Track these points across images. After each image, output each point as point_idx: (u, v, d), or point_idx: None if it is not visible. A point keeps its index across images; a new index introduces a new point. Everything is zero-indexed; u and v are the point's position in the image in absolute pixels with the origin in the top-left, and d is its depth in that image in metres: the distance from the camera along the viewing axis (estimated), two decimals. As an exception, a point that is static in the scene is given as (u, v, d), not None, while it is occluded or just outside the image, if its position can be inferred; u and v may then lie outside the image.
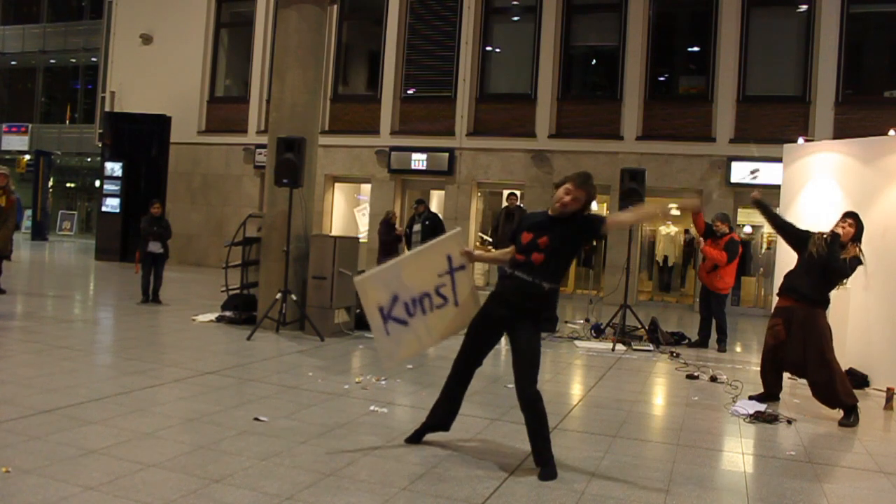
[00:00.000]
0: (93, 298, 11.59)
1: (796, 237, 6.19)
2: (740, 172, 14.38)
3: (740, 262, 15.08)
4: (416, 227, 12.92)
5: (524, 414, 4.08)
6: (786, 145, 8.81)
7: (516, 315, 4.10)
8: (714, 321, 9.26)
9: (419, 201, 13.44)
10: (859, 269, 6.01)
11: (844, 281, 6.23)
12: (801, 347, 5.83)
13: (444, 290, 4.51)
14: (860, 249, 5.93)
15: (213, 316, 9.09)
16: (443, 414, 4.45)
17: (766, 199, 6.52)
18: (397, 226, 13.20)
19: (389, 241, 12.96)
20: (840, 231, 5.93)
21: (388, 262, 4.71)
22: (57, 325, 8.15)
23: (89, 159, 28.58)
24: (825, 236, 5.96)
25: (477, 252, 4.77)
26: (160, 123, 18.21)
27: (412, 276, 4.49)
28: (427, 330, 4.54)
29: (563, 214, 4.07)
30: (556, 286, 4.13)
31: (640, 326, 9.59)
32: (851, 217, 6.01)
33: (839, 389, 5.66)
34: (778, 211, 8.51)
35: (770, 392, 6.23)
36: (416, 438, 4.44)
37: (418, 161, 16.46)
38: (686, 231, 15.64)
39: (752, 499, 3.90)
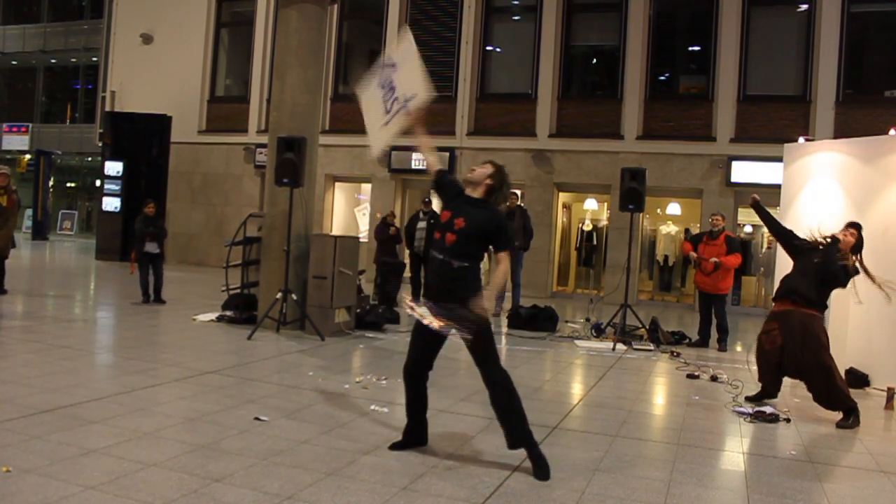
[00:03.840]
0: (93, 298, 11.59)
1: (793, 243, 6.18)
2: (741, 172, 14.38)
3: (741, 261, 15.16)
4: (421, 225, 12.94)
5: (493, 399, 4.05)
6: (786, 145, 8.81)
7: (456, 305, 3.99)
8: (715, 321, 9.25)
9: (428, 200, 13.48)
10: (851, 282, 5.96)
11: (856, 298, 6.17)
12: (798, 352, 5.79)
13: (396, 103, 4.89)
14: (860, 262, 5.90)
15: (213, 315, 9.09)
16: (415, 431, 4.31)
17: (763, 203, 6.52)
18: (394, 226, 13.22)
19: (385, 239, 12.99)
20: (841, 237, 5.90)
21: (415, 51, 5.03)
22: (57, 324, 8.15)
23: (90, 159, 28.58)
24: (825, 238, 5.95)
25: (420, 121, 4.75)
26: (160, 123, 18.20)
27: (405, 71, 4.91)
28: (376, 106, 5.00)
29: (469, 187, 4.20)
30: (466, 265, 4.04)
31: (640, 326, 9.59)
32: (855, 227, 5.99)
33: (838, 393, 5.64)
34: (778, 210, 8.54)
35: (768, 391, 6.22)
36: (400, 447, 4.30)
37: (419, 161, 16.46)
38: (686, 230, 15.64)
39: (753, 498, 3.90)
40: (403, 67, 4.99)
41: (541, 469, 3.96)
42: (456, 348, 4.45)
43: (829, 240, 5.94)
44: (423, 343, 4.20)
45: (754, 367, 6.42)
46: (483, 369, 4.08)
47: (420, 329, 4.19)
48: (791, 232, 6.31)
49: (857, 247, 5.94)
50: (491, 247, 4.15)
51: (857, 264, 5.90)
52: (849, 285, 5.95)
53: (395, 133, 4.99)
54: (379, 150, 5.34)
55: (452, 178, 4.50)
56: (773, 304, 6.18)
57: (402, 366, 4.28)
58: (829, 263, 5.78)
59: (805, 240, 6.13)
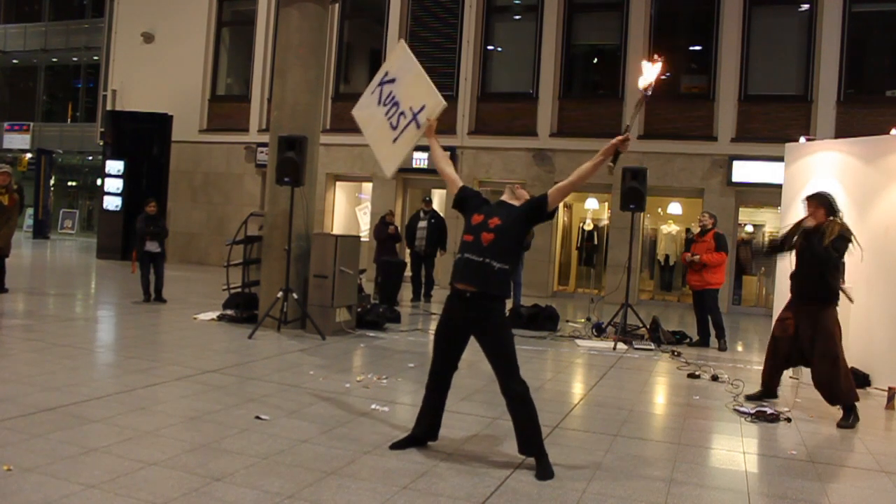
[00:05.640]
0: (94, 297, 11.59)
1: (783, 248, 6.08)
2: (742, 172, 14.38)
3: (742, 262, 15.18)
4: (422, 224, 12.98)
5: (512, 409, 4.06)
6: (787, 144, 8.80)
7: (477, 314, 4.04)
8: (710, 319, 9.25)
9: (429, 200, 13.51)
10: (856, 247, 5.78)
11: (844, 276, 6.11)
12: (809, 342, 5.76)
13: (402, 118, 4.93)
14: (842, 223, 5.68)
15: (214, 314, 9.10)
16: (428, 425, 4.33)
17: (757, 244, 6.41)
18: (392, 225, 13.26)
19: (384, 239, 13.03)
20: (811, 222, 5.74)
21: (416, 63, 5.09)
22: (58, 323, 8.15)
23: (91, 158, 28.61)
24: (799, 233, 5.86)
25: (433, 132, 4.80)
26: (161, 122, 18.22)
27: (406, 84, 4.94)
28: (380, 124, 5.05)
29: (510, 199, 4.28)
30: (505, 267, 4.04)
31: (641, 325, 9.59)
32: (813, 200, 5.81)
33: (841, 386, 5.61)
34: (779, 210, 8.54)
35: (768, 389, 6.21)
36: (401, 446, 4.30)
37: (420, 160, 16.45)
38: (687, 230, 15.64)
39: (754, 498, 3.89)
40: (404, 80, 4.93)
41: (544, 470, 3.96)
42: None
43: (801, 233, 5.82)
44: (447, 346, 4.23)
45: (755, 367, 6.42)
46: (503, 380, 4.06)
47: (442, 331, 4.22)
48: (781, 241, 6.14)
49: (831, 211, 5.72)
50: (548, 205, 4.15)
51: (842, 228, 5.64)
52: (853, 249, 5.75)
53: (408, 149, 4.97)
54: (394, 170, 5.24)
55: (475, 190, 4.51)
56: (789, 296, 6.12)
57: (428, 369, 4.30)
58: (815, 253, 5.64)
59: (787, 235, 6.01)
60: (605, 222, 16.19)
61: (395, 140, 4.92)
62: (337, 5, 15.13)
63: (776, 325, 6.16)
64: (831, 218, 5.71)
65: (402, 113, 4.90)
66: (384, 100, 4.97)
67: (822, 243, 5.60)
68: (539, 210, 4.17)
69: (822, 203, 5.78)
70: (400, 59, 5.11)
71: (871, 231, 7.15)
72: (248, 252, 9.52)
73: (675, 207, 16.05)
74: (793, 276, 6.00)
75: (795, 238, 5.92)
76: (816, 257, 5.66)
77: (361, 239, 10.89)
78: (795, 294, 5.96)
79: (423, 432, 4.33)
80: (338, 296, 8.45)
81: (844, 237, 5.62)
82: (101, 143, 19.91)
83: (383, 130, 4.98)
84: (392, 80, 4.95)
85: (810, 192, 6.04)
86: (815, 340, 5.72)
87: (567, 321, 10.98)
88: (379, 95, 5.01)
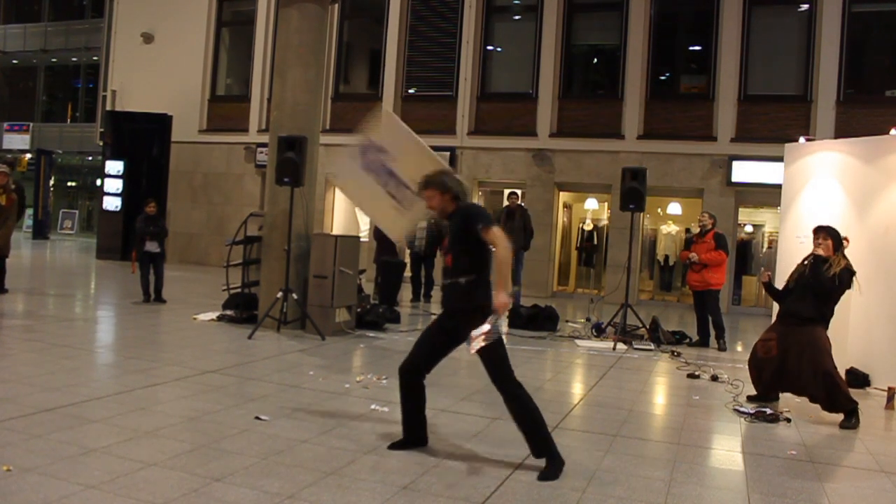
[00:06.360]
0: (94, 297, 11.59)
1: (788, 289, 6.12)
2: (741, 172, 14.38)
3: (742, 261, 15.19)
4: (422, 225, 12.97)
5: (512, 412, 4.06)
6: (787, 144, 8.81)
7: (459, 321, 4.09)
8: (710, 319, 9.25)
9: None
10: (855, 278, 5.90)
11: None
12: (796, 362, 5.77)
13: (406, 192, 4.78)
14: (847, 259, 5.85)
15: (214, 315, 9.09)
16: (417, 430, 4.32)
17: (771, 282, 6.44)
18: None
19: (384, 238, 13.02)
20: (821, 251, 5.85)
21: (410, 132, 4.87)
22: (58, 323, 8.15)
23: (90, 158, 28.59)
24: (805, 262, 5.95)
25: None
26: (161, 122, 18.21)
27: (406, 158, 4.78)
28: (373, 192, 4.90)
29: (442, 216, 4.28)
30: (472, 278, 4.06)
31: (641, 325, 9.58)
32: (823, 231, 5.94)
33: (839, 397, 5.62)
34: (779, 210, 8.54)
35: (764, 394, 6.21)
36: (399, 447, 4.30)
37: (419, 160, 16.44)
38: (687, 230, 15.64)
39: (753, 498, 3.89)
40: (401, 154, 4.78)
41: (548, 471, 3.95)
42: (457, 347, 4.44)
43: (810, 259, 5.92)
44: (432, 349, 4.23)
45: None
46: (500, 385, 4.07)
47: (431, 335, 4.24)
48: (784, 289, 6.19)
49: (837, 246, 5.88)
50: (479, 234, 3.96)
51: (844, 264, 5.80)
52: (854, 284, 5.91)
53: (421, 216, 4.99)
54: (405, 235, 5.25)
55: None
56: (776, 317, 6.18)
57: (399, 365, 4.26)
58: (819, 283, 5.75)
59: (792, 275, 6.09)
60: (604, 222, 16.18)
61: (398, 208, 4.88)
62: (337, 5, 15.13)
63: (759, 344, 6.16)
64: (838, 254, 5.85)
65: (403, 184, 4.81)
66: (379, 174, 4.83)
67: (827, 273, 5.74)
68: (467, 228, 4.02)
69: (830, 235, 5.92)
70: (389, 128, 4.96)
71: (871, 231, 7.17)
72: (247, 252, 9.52)
73: (674, 207, 16.05)
74: (787, 302, 6.02)
75: (805, 261, 5.98)
76: (820, 284, 5.76)
77: (361, 239, 10.89)
78: (785, 314, 5.99)
79: (414, 438, 4.32)
80: (337, 296, 8.45)
81: (850, 271, 5.81)
82: (101, 144, 19.90)
83: (378, 198, 4.91)
84: (381, 150, 4.81)
85: (821, 224, 6.08)
86: (803, 360, 5.72)
87: (567, 321, 10.97)
88: (364, 162, 4.86)
